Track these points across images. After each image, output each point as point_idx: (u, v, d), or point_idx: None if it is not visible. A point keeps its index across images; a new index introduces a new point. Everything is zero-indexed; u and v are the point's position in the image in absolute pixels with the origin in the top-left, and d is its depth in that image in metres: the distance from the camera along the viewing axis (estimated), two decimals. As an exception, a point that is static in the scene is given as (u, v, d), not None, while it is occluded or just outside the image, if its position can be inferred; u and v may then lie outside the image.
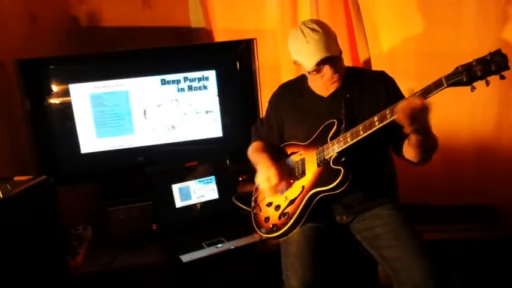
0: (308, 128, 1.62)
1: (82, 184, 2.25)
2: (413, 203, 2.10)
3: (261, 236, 1.67)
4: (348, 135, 1.46)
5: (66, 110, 2.13)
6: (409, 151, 1.46)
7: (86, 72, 2.15)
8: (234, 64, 2.28)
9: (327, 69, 1.51)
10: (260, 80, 2.25)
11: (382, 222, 1.54)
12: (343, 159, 1.50)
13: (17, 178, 1.59)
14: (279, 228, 1.56)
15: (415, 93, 1.30)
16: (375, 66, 2.19)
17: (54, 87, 2.12)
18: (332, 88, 1.59)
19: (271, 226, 1.60)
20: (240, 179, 2.29)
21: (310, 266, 1.46)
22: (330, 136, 1.54)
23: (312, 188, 1.53)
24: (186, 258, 1.80)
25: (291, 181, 1.62)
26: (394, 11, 2.16)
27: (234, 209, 2.07)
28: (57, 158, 2.16)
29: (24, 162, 2.11)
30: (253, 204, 1.76)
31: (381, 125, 1.37)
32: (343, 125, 1.53)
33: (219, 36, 2.49)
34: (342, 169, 1.45)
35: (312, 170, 1.57)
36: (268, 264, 1.79)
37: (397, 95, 1.53)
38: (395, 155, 1.59)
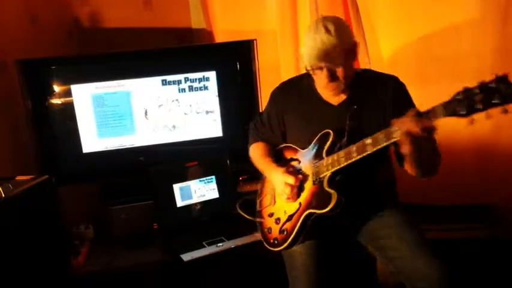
0: (310, 135, 1.55)
1: (83, 184, 2.25)
2: (412, 202, 2.10)
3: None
4: (342, 155, 1.39)
5: (68, 110, 2.14)
6: (407, 167, 1.42)
7: (87, 73, 2.16)
8: (234, 65, 2.29)
9: (320, 76, 1.45)
10: (260, 81, 2.26)
11: (384, 223, 1.53)
12: (338, 178, 1.42)
13: (18, 178, 1.60)
14: (279, 244, 1.54)
15: (422, 113, 1.19)
16: (374, 69, 2.20)
17: (56, 88, 2.13)
18: (341, 98, 1.53)
19: (273, 239, 1.57)
20: (240, 178, 2.30)
21: (317, 276, 1.44)
22: (325, 150, 1.47)
23: (307, 207, 1.47)
24: (186, 257, 1.81)
25: (304, 185, 1.52)
26: (394, 13, 2.17)
27: (234, 209, 2.08)
28: (58, 158, 2.17)
29: (26, 162, 2.12)
30: (258, 208, 1.73)
31: (374, 149, 1.30)
32: (345, 139, 1.45)
33: (220, 37, 2.51)
34: (334, 193, 1.38)
35: (308, 186, 1.50)
36: (269, 263, 1.80)
37: (405, 104, 1.41)
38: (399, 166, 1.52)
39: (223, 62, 2.29)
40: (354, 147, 1.36)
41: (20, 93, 2.06)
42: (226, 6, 2.49)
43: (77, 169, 2.20)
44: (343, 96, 1.54)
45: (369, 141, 1.32)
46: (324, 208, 1.39)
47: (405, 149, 1.25)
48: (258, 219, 1.70)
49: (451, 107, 1.11)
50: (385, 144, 1.28)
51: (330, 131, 1.48)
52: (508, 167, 2.11)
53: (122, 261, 1.93)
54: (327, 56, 1.39)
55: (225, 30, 2.50)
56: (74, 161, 2.19)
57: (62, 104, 2.15)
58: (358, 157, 1.34)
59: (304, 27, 2.29)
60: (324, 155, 1.47)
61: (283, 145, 1.69)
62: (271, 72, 2.37)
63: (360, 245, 1.60)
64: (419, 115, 1.19)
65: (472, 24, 2.06)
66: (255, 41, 2.23)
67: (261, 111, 2.23)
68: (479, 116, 2.08)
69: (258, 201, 1.75)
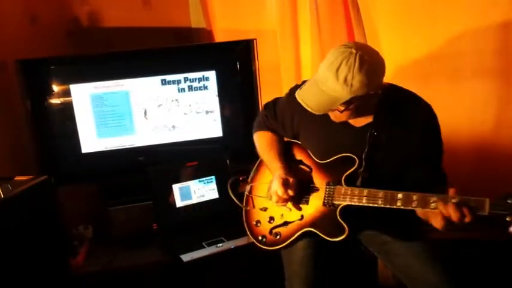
0: (324, 153, 1.46)
1: (83, 184, 2.25)
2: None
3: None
4: (365, 194, 1.31)
5: (67, 110, 2.13)
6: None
7: (86, 73, 2.16)
8: (234, 64, 2.28)
9: None
10: (260, 81, 2.26)
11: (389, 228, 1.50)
12: (353, 208, 1.36)
13: (17, 178, 1.59)
14: (267, 244, 1.52)
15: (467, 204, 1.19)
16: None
17: (55, 87, 2.13)
18: (366, 119, 1.38)
19: (261, 236, 1.54)
20: (240, 178, 2.29)
21: (315, 273, 1.41)
22: (345, 176, 1.38)
23: (310, 225, 1.43)
24: (186, 257, 1.81)
25: (299, 204, 1.47)
26: (394, 13, 2.16)
27: (234, 209, 2.08)
28: (57, 158, 2.16)
29: (25, 162, 2.12)
30: (246, 192, 1.64)
31: (402, 207, 1.24)
32: (361, 169, 1.37)
33: (219, 37, 2.51)
34: (346, 229, 1.33)
35: (316, 203, 1.44)
36: (269, 263, 1.80)
37: (433, 143, 1.37)
38: None
39: (223, 62, 2.29)
40: (381, 193, 1.28)
41: (19, 93, 2.05)
42: (226, 6, 2.48)
43: (76, 169, 2.19)
44: (368, 118, 1.38)
45: (400, 196, 1.25)
46: (332, 237, 1.37)
47: (436, 224, 1.23)
48: (245, 207, 1.64)
49: (498, 209, 1.14)
50: (415, 208, 1.23)
51: (356, 158, 1.37)
52: (508, 166, 2.11)
53: (121, 261, 1.93)
54: (315, 101, 1.29)
55: (224, 29, 2.50)
56: (73, 161, 2.18)
57: (61, 104, 2.14)
58: (382, 206, 1.27)
59: (305, 27, 2.29)
60: (342, 181, 1.39)
61: (293, 140, 1.59)
62: (271, 72, 2.37)
63: (362, 245, 1.59)
64: (463, 204, 1.19)
65: (473, 23, 2.05)
66: (255, 41, 2.22)
67: (260, 110, 2.23)
68: (478, 116, 2.09)
69: (248, 185, 1.66)
